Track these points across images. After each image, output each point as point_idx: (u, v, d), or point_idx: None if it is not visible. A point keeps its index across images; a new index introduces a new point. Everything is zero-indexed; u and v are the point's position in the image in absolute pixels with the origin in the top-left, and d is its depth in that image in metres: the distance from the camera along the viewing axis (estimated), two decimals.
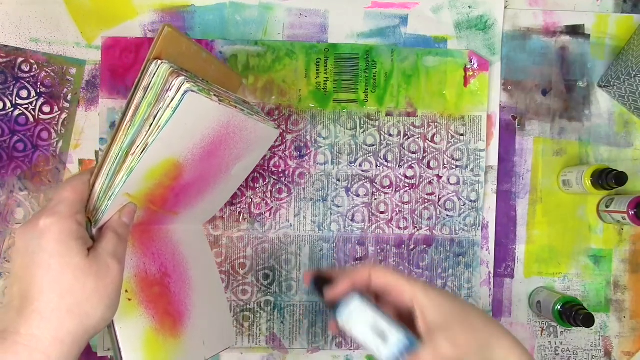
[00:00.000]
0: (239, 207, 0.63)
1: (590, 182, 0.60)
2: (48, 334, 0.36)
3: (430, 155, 0.64)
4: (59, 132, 0.61)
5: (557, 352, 0.65)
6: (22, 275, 0.37)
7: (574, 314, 0.58)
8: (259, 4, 0.63)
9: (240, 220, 0.63)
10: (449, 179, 0.64)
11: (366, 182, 0.64)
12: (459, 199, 0.64)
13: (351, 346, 0.63)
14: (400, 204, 0.64)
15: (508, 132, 0.65)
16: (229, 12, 0.63)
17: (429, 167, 0.64)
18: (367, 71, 0.64)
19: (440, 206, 0.64)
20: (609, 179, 0.57)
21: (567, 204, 0.65)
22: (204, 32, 0.63)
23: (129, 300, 0.45)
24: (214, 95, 0.42)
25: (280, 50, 0.63)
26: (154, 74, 0.41)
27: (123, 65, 0.61)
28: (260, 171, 0.63)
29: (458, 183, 0.64)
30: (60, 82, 0.61)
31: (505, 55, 0.65)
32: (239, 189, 0.63)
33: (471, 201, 0.64)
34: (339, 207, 0.63)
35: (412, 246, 0.64)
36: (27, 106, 0.61)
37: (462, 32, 0.64)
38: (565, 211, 0.65)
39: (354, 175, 0.64)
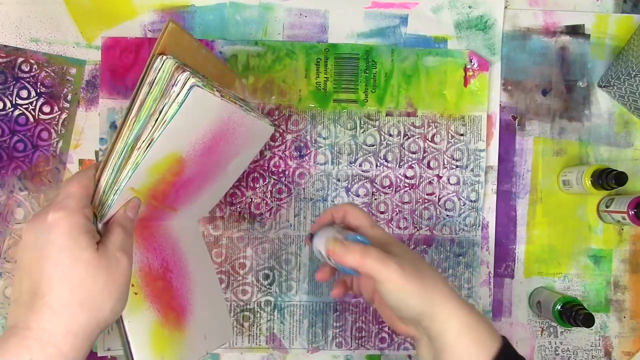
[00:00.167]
0: (239, 207, 0.63)
1: (590, 182, 0.60)
2: (60, 327, 0.36)
3: (430, 155, 0.64)
4: (59, 132, 0.61)
5: (557, 352, 0.65)
6: (31, 270, 0.37)
7: (574, 314, 0.58)
8: (259, 4, 0.63)
9: (240, 220, 0.63)
10: (449, 179, 0.64)
11: (366, 182, 0.64)
12: (459, 199, 0.64)
13: (351, 346, 0.63)
14: (400, 204, 0.64)
15: (508, 132, 0.65)
16: (229, 12, 0.63)
17: (429, 167, 0.64)
18: (367, 71, 0.64)
19: (440, 206, 0.64)
20: (609, 179, 0.58)
21: (567, 204, 0.65)
22: (204, 32, 0.63)
23: (136, 294, 0.45)
24: (216, 90, 0.43)
25: (280, 50, 0.63)
26: (159, 69, 0.41)
27: (123, 65, 0.61)
28: (260, 171, 0.63)
29: (458, 183, 0.64)
30: (60, 82, 0.61)
31: (505, 55, 0.65)
32: (238, 188, 0.63)
33: (471, 201, 0.64)
34: None
35: (412, 246, 0.64)
36: (27, 106, 0.61)
37: (462, 32, 0.64)
38: (565, 211, 0.65)
39: (354, 175, 0.64)
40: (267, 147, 0.63)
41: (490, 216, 0.65)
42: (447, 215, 0.64)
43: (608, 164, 0.63)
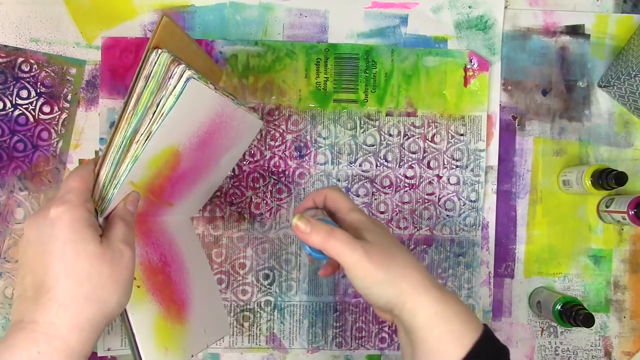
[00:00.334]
0: (239, 207, 0.63)
1: (590, 182, 0.60)
2: (67, 321, 0.36)
3: (430, 155, 0.64)
4: (59, 132, 0.61)
5: (557, 352, 0.65)
6: (35, 265, 0.37)
7: (574, 314, 0.58)
8: (259, 4, 0.63)
9: (240, 220, 0.63)
10: (449, 179, 0.64)
11: (366, 182, 0.64)
12: (459, 199, 0.64)
13: (351, 346, 0.63)
14: (400, 204, 0.64)
15: (508, 132, 0.65)
16: (229, 12, 0.63)
17: (429, 167, 0.64)
18: (367, 71, 0.64)
19: (440, 206, 0.64)
20: (609, 179, 0.57)
21: (567, 204, 0.65)
22: (204, 32, 0.63)
23: (138, 287, 0.46)
24: (210, 83, 0.43)
25: (280, 50, 0.63)
26: (155, 63, 0.41)
27: (123, 65, 0.61)
28: (260, 171, 0.63)
29: (458, 183, 0.64)
30: (60, 82, 0.61)
31: (505, 55, 0.65)
32: (238, 188, 0.63)
33: (471, 201, 0.64)
34: None
35: (412, 246, 0.64)
36: (27, 106, 0.61)
37: (462, 32, 0.64)
38: (565, 211, 0.65)
39: (354, 175, 0.64)
40: (267, 147, 0.63)
41: (490, 216, 0.65)
42: (447, 215, 0.64)
43: (608, 164, 0.63)
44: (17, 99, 0.60)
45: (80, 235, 0.37)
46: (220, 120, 0.48)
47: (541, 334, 0.65)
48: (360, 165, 0.64)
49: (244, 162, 0.63)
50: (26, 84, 0.61)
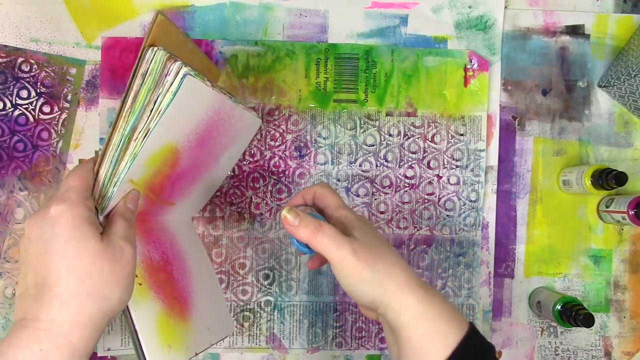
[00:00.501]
0: (239, 207, 0.63)
1: (590, 182, 0.60)
2: (69, 318, 0.36)
3: (430, 155, 0.64)
4: (59, 132, 0.61)
5: (557, 352, 0.65)
6: (37, 263, 0.37)
7: (574, 314, 0.58)
8: (259, 4, 0.63)
9: (240, 220, 0.63)
10: (449, 179, 0.64)
11: (366, 182, 0.64)
12: (459, 199, 0.64)
13: (351, 346, 0.63)
14: (400, 204, 0.64)
15: (508, 132, 0.65)
16: (229, 12, 0.63)
17: (429, 167, 0.64)
18: (367, 71, 0.64)
19: (440, 206, 0.64)
20: (609, 179, 0.57)
21: (567, 204, 0.65)
22: (204, 32, 0.63)
23: (140, 284, 0.46)
24: (207, 80, 0.43)
25: (280, 50, 0.63)
26: (151, 60, 0.41)
27: (123, 65, 0.61)
28: (260, 171, 0.63)
29: (458, 183, 0.64)
30: (60, 82, 0.61)
31: (505, 55, 0.65)
32: (238, 188, 0.63)
33: (471, 201, 0.64)
34: None
35: (412, 246, 0.64)
36: (27, 106, 0.61)
37: (462, 32, 0.64)
38: (565, 211, 0.65)
39: (354, 175, 0.64)
40: (267, 147, 0.63)
41: (490, 216, 0.65)
42: (447, 215, 0.64)
43: (608, 164, 0.63)
44: (17, 99, 0.60)
45: (81, 233, 0.37)
46: (218, 118, 0.48)
47: (541, 334, 0.65)
48: (360, 165, 0.64)
49: (244, 162, 0.63)
50: (26, 84, 0.61)
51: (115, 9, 0.62)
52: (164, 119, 0.41)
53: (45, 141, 0.61)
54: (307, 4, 0.63)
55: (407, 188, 0.64)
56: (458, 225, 0.64)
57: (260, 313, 0.63)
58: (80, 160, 0.62)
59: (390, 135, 0.64)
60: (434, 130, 0.64)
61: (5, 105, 0.60)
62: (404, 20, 0.64)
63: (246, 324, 0.63)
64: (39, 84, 0.61)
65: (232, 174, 0.63)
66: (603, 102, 0.65)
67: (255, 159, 0.63)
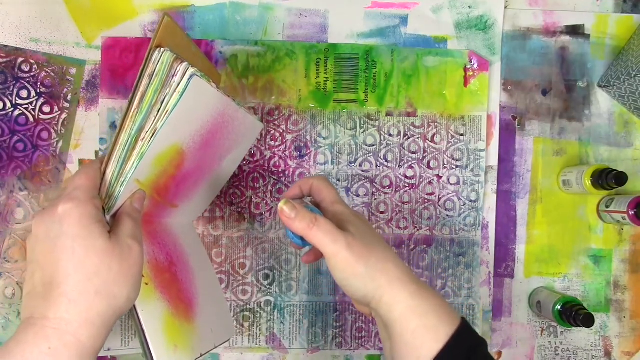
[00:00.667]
0: (239, 207, 0.63)
1: (590, 182, 0.60)
2: (78, 316, 0.36)
3: (430, 155, 0.64)
4: (59, 132, 0.61)
5: (557, 352, 0.65)
6: (44, 261, 0.37)
7: (574, 314, 0.58)
8: (259, 4, 0.63)
9: (240, 220, 0.63)
10: (449, 179, 0.64)
11: (366, 182, 0.64)
12: (459, 199, 0.64)
13: (351, 346, 0.63)
14: (400, 204, 0.64)
15: (508, 132, 0.65)
16: (229, 12, 0.63)
17: (429, 167, 0.64)
18: (367, 71, 0.64)
19: (440, 206, 0.64)
20: (609, 179, 0.57)
21: (567, 204, 0.65)
22: (204, 32, 0.63)
23: (146, 284, 0.46)
24: (212, 82, 0.44)
25: (280, 50, 0.63)
26: (158, 61, 0.42)
27: (123, 65, 0.61)
28: (260, 171, 0.63)
29: (458, 183, 0.64)
30: (60, 82, 0.61)
31: (505, 55, 0.65)
32: (238, 188, 0.63)
33: (471, 201, 0.64)
34: None
35: (412, 246, 0.64)
36: (27, 106, 0.61)
37: (462, 32, 0.64)
38: (565, 211, 0.65)
39: (354, 175, 0.64)
40: (267, 147, 0.63)
41: (490, 216, 0.65)
42: (447, 215, 0.64)
43: (608, 164, 0.63)
44: (17, 99, 0.60)
45: (89, 231, 0.37)
46: (222, 120, 0.48)
47: (541, 334, 0.65)
48: (360, 165, 0.64)
49: (244, 162, 0.63)
50: (26, 84, 0.61)
51: (115, 9, 0.62)
52: (171, 119, 0.41)
53: (45, 141, 0.61)
54: (307, 4, 0.63)
55: (407, 188, 0.64)
56: (458, 225, 0.64)
57: (260, 313, 0.63)
58: (81, 161, 0.62)
59: (390, 135, 0.64)
60: (434, 130, 0.64)
61: (5, 105, 0.60)
62: (404, 20, 0.64)
63: (246, 324, 0.63)
64: (39, 84, 0.61)
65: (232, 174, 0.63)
66: (603, 102, 0.65)
67: (255, 159, 0.63)
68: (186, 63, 0.41)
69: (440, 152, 0.64)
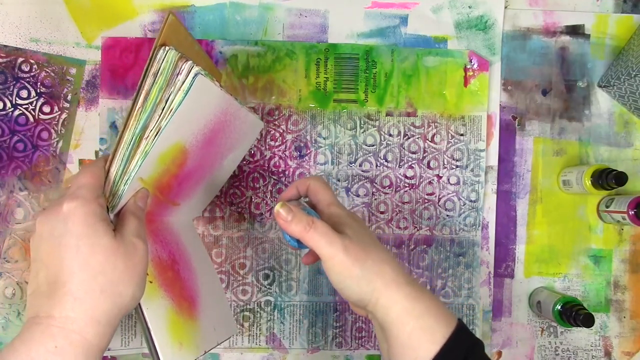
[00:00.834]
0: (239, 207, 0.63)
1: (590, 182, 0.60)
2: (83, 314, 0.36)
3: (430, 155, 0.64)
4: (59, 132, 0.61)
5: (557, 352, 0.65)
6: (49, 260, 0.37)
7: (574, 314, 0.58)
8: (259, 4, 0.63)
9: (240, 220, 0.63)
10: (449, 179, 0.64)
11: (366, 182, 0.64)
12: (459, 199, 0.64)
13: (351, 346, 0.63)
14: (400, 204, 0.64)
15: (508, 132, 0.65)
16: (229, 12, 0.63)
17: (429, 167, 0.64)
18: (367, 71, 0.64)
19: (440, 206, 0.64)
20: (609, 179, 0.57)
21: (567, 204, 0.65)
22: (204, 32, 0.63)
23: (150, 282, 0.46)
24: (216, 80, 0.44)
25: (280, 50, 0.63)
26: (163, 60, 0.42)
27: (123, 65, 0.61)
28: (260, 171, 0.63)
29: (458, 183, 0.64)
30: (60, 82, 0.61)
31: (505, 55, 0.65)
32: (238, 188, 0.63)
33: (471, 201, 0.64)
34: None
35: (412, 246, 0.64)
36: (27, 106, 0.61)
37: (462, 32, 0.64)
38: (565, 211, 0.65)
39: (354, 175, 0.64)
40: (267, 147, 0.63)
41: (490, 216, 0.65)
42: (447, 215, 0.64)
43: (608, 164, 0.63)
44: (17, 99, 0.60)
45: (93, 230, 0.37)
46: (225, 119, 0.48)
47: (541, 334, 0.65)
48: (360, 165, 0.64)
49: (244, 162, 0.63)
50: (26, 84, 0.61)
51: (115, 9, 0.62)
52: (176, 118, 0.41)
53: (45, 141, 0.61)
54: (307, 4, 0.63)
55: (407, 188, 0.64)
56: (458, 225, 0.64)
57: (260, 313, 0.63)
58: (81, 161, 0.62)
59: (390, 135, 0.64)
60: (434, 130, 0.64)
61: (5, 105, 0.60)
62: (404, 20, 0.64)
63: (246, 324, 0.63)
64: (39, 84, 0.61)
65: (232, 174, 0.63)
66: (603, 102, 0.65)
67: (255, 159, 0.63)
68: (191, 61, 0.41)
69: (440, 152, 0.64)
